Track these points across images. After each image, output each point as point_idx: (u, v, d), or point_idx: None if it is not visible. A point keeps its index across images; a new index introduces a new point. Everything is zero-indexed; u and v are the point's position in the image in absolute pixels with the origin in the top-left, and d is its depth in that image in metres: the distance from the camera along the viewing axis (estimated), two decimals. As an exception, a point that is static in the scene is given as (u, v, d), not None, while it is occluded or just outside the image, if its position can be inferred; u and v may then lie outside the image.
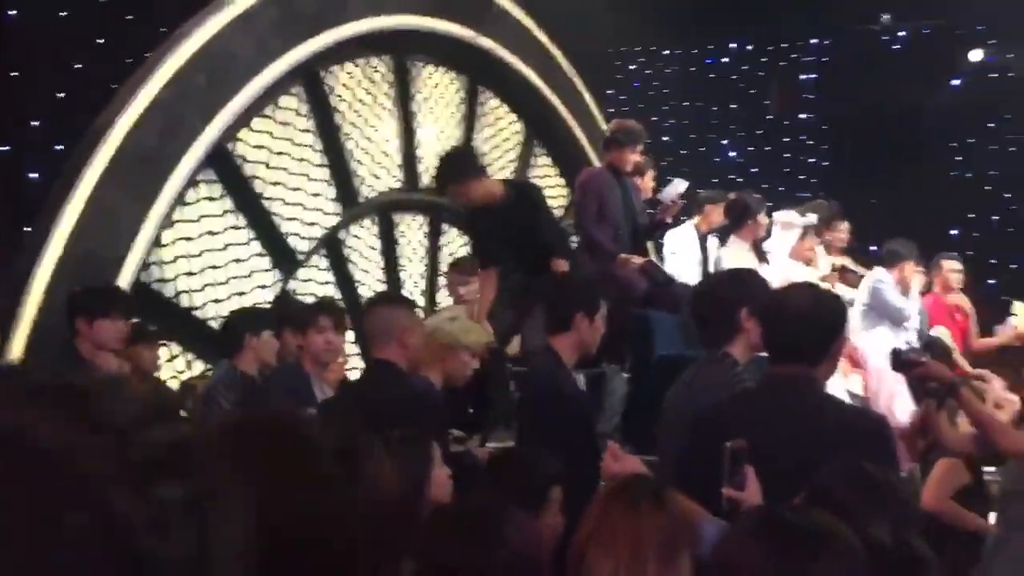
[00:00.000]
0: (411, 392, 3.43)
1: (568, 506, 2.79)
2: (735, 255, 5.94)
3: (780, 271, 5.70)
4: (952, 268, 7.06)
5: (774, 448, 2.47)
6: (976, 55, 12.76)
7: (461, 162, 5.21)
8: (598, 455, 3.51)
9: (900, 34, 13.05)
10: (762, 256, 6.07)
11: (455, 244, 8.16)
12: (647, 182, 6.36)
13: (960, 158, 13.10)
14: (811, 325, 2.64)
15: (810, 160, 13.84)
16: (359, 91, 7.11)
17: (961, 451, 3.73)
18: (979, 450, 3.65)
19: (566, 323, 3.68)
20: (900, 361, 3.59)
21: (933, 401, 3.61)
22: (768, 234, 6.32)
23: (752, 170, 13.32)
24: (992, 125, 13.31)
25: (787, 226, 6.36)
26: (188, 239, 5.97)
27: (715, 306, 3.20)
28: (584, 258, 5.70)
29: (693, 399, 3.08)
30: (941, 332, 6.13)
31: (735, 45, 13.90)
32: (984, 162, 13.02)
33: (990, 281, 11.02)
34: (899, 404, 5.54)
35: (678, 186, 6.01)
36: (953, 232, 12.31)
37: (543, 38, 8.35)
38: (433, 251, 7.98)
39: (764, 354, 3.33)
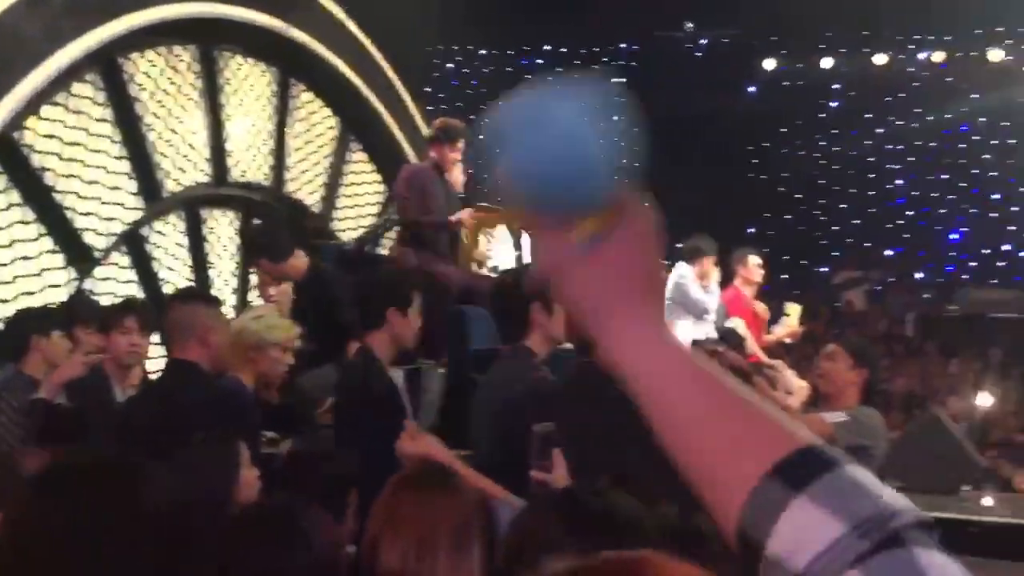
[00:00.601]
0: (216, 393, 3.30)
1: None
2: None
3: None
4: (757, 263, 7.46)
5: (581, 433, 2.54)
6: (770, 64, 13.63)
7: (270, 245, 5.03)
8: None
9: (702, 42, 13.77)
10: None
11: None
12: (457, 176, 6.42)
13: (756, 161, 13.97)
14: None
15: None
16: (162, 80, 6.78)
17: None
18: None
19: (378, 319, 3.63)
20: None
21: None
22: None
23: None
24: (784, 130, 14.26)
25: None
26: (-32, 235, 5.51)
27: (509, 302, 3.28)
28: (407, 252, 5.66)
29: (493, 392, 3.15)
30: (736, 322, 6.47)
31: (549, 47, 14.25)
32: (777, 165, 13.94)
33: (783, 276, 11.79)
34: None
35: None
36: (750, 230, 13.10)
37: (358, 33, 8.25)
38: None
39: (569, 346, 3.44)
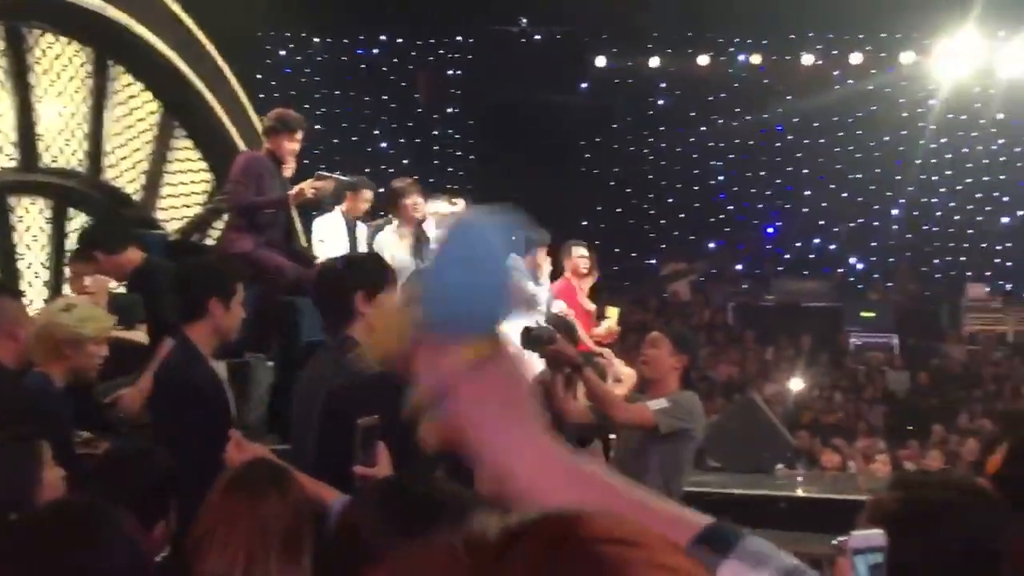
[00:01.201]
0: (20, 390, 3.10)
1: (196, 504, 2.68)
2: (390, 241, 6.03)
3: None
4: (581, 254, 7.65)
5: (407, 426, 2.54)
6: (601, 61, 14.00)
7: (106, 237, 4.79)
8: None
9: (536, 38, 14.00)
10: (421, 246, 6.19)
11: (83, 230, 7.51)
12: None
13: (588, 155, 14.34)
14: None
15: (457, 153, 14.43)
16: (-37, 57, 6.30)
17: (579, 422, 4.08)
18: (597, 421, 4.02)
19: (200, 310, 3.49)
20: (531, 338, 3.83)
21: (559, 375, 3.92)
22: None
23: (403, 161, 13.63)
24: (615, 126, 14.70)
25: (441, 217, 6.55)
26: None
27: (331, 292, 3.23)
28: (239, 238, 5.47)
29: (314, 385, 3.10)
30: (560, 307, 6.63)
31: (385, 37, 14.12)
32: (608, 160, 14.36)
33: (614, 268, 12.15)
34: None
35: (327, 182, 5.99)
36: (584, 223, 13.45)
37: (183, 16, 7.91)
38: (58, 238, 7.27)
39: None
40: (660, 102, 15.44)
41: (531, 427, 0.95)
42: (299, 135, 5.59)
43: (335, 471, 2.61)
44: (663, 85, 15.30)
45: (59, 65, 7.08)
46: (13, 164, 6.74)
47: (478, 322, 0.96)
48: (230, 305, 3.52)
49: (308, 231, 7.23)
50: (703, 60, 14.67)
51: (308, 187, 5.39)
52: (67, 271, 6.22)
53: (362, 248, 6.94)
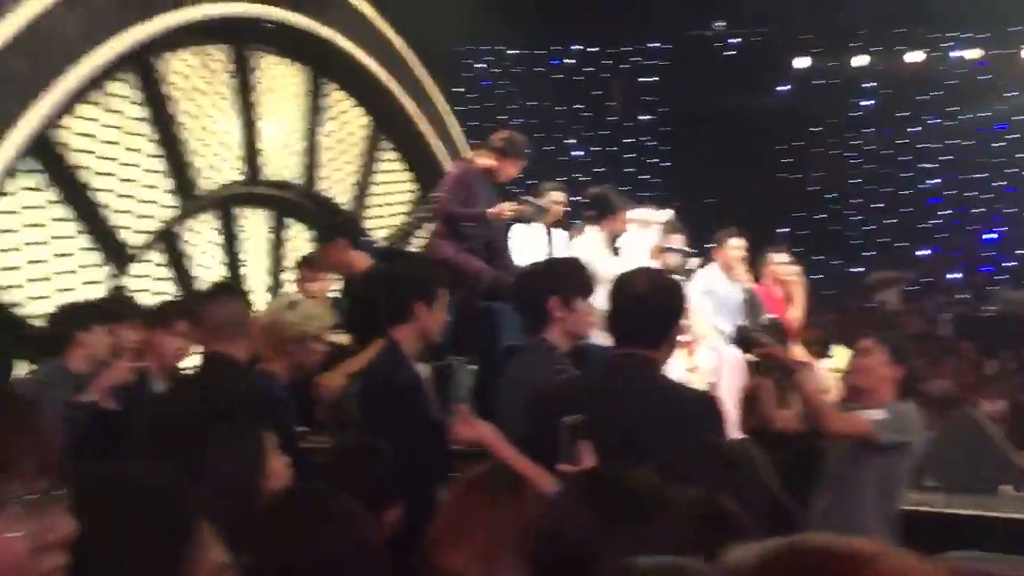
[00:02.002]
0: (251, 386, 3.32)
1: (407, 497, 2.78)
2: (588, 247, 6.03)
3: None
4: (778, 260, 7.40)
5: (614, 426, 2.53)
6: (802, 62, 13.52)
7: (349, 227, 5.16)
8: (438, 448, 3.51)
9: (733, 41, 13.68)
10: (616, 251, 6.17)
11: (300, 238, 7.99)
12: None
13: (788, 160, 13.86)
14: (650, 309, 2.72)
15: (651, 160, 14.32)
16: (196, 80, 6.85)
17: (787, 430, 3.93)
18: (804, 429, 3.86)
19: (405, 314, 3.63)
20: (743, 339, 3.73)
21: (768, 380, 3.79)
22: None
23: (596, 169, 13.66)
24: (817, 130, 14.13)
25: (644, 224, 6.49)
26: (9, 232, 5.59)
27: (527, 296, 3.28)
28: (442, 244, 5.69)
29: (515, 386, 3.14)
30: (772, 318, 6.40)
31: (579, 47, 14.22)
32: (810, 164, 13.83)
33: (817, 276, 11.66)
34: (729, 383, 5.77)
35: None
36: (783, 230, 13.00)
37: (389, 33, 8.29)
38: (277, 246, 7.78)
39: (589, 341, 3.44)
40: (866, 103, 14.71)
41: None
42: (522, 163, 5.78)
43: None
44: (869, 85, 14.57)
45: (279, 84, 7.58)
46: (239, 177, 7.26)
47: None
48: (433, 308, 3.63)
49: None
50: (913, 57, 13.89)
51: (508, 209, 5.57)
52: (290, 274, 6.62)
53: (559, 254, 7.00)
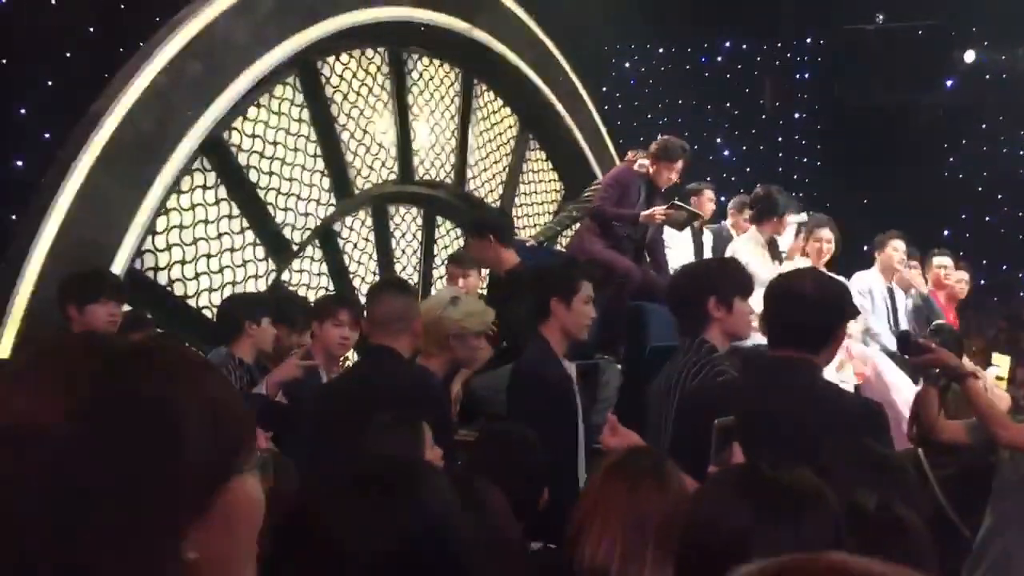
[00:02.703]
0: (412, 379, 3.40)
1: (551, 490, 2.80)
2: (748, 248, 5.92)
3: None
4: (941, 264, 7.10)
5: (772, 428, 2.48)
6: (970, 56, 12.80)
7: (503, 226, 5.27)
8: (581, 443, 3.51)
9: (894, 34, 13.07)
10: (776, 253, 6.04)
11: (449, 236, 8.16)
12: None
13: (952, 158, 13.15)
14: (815, 310, 2.65)
15: (804, 159, 13.88)
16: (354, 82, 7.10)
17: (954, 440, 3.74)
18: (973, 440, 3.66)
19: (545, 310, 3.67)
20: (909, 345, 3.58)
21: (933, 388, 3.61)
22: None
23: (746, 169, 13.35)
24: (985, 126, 13.36)
25: (798, 227, 6.37)
26: (182, 227, 5.94)
27: (685, 297, 3.24)
28: (591, 240, 5.73)
29: (668, 386, 3.12)
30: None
31: (729, 44, 13.91)
32: (976, 163, 13.08)
33: (981, 282, 11.04)
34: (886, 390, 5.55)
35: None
36: (945, 232, 12.35)
37: (539, 32, 8.35)
38: (427, 243, 7.97)
39: (746, 343, 3.36)
40: (1040, 97, 13.81)
41: None
42: (679, 164, 5.77)
43: (689, 472, 2.62)
44: (1043, 78, 13.66)
45: (432, 86, 7.76)
46: (392, 177, 7.48)
47: None
48: (572, 304, 3.64)
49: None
50: (1095, 48, 12.93)
51: (660, 213, 5.58)
52: (444, 270, 6.76)
53: (707, 254, 6.91)
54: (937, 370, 3.54)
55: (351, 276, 7.21)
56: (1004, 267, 12.78)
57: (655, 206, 5.76)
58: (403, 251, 7.73)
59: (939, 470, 3.88)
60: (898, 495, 1.76)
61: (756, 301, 3.34)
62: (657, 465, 2.05)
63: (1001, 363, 5.94)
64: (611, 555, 1.87)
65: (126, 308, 5.16)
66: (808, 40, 13.70)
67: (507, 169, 8.42)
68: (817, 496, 1.49)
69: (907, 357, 3.67)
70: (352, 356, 5.29)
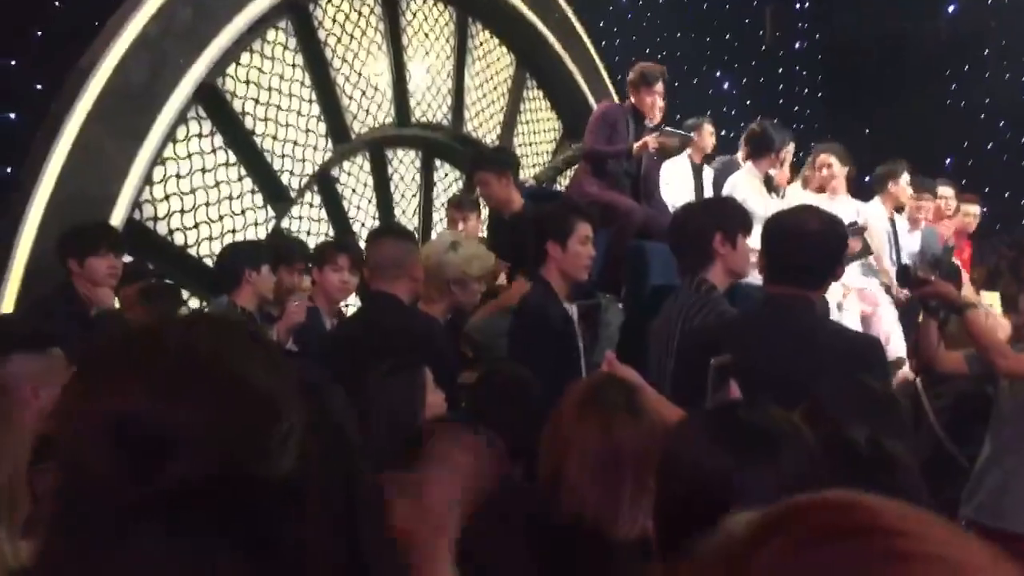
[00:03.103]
0: (416, 324, 3.43)
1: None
2: (746, 183, 5.90)
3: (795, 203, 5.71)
4: (943, 195, 7.07)
5: (769, 366, 2.50)
6: (973, -20, 12.60)
7: (494, 155, 5.21)
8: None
9: (895, -40, 12.85)
10: (772, 188, 6.03)
11: (449, 179, 8.12)
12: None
13: (954, 85, 13.02)
14: (819, 249, 2.65)
15: (804, 91, 13.74)
16: (348, 25, 7.00)
17: (953, 371, 3.77)
18: (973, 370, 3.69)
19: (541, 252, 3.69)
20: (908, 278, 3.60)
21: (932, 320, 3.64)
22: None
23: (747, 102, 13.22)
24: (987, 52, 13.20)
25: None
26: (179, 177, 5.92)
27: (689, 234, 3.25)
28: (587, 181, 5.67)
29: (669, 325, 3.13)
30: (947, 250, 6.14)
31: (728, -26, 13.69)
32: (978, 90, 12.95)
33: (983, 210, 11.02)
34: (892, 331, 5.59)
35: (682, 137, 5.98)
36: (948, 160, 12.28)
37: (534, -31, 8.22)
38: (427, 187, 7.94)
39: (746, 280, 3.37)
40: (1044, 21, 13.60)
41: None
42: (658, 86, 5.65)
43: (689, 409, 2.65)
44: (1048, 1, 13.45)
45: (427, 26, 7.65)
46: (389, 120, 7.42)
47: None
48: (567, 246, 3.65)
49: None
50: (1101, -31, 12.69)
51: (652, 141, 5.46)
52: (444, 214, 6.74)
53: (708, 190, 6.88)
54: (935, 302, 3.56)
55: (351, 221, 7.20)
56: (1007, 194, 12.73)
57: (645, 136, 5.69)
58: (402, 195, 7.70)
59: (936, 401, 3.93)
60: (889, 430, 1.78)
61: (754, 238, 3.35)
62: (630, 398, 2.01)
63: (992, 300, 5.92)
64: (589, 495, 1.85)
65: (127, 259, 5.20)
66: (808, -32, 13.48)
67: (504, 109, 8.35)
68: (793, 434, 1.48)
69: (906, 290, 3.69)
70: (355, 301, 5.30)
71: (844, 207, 5.93)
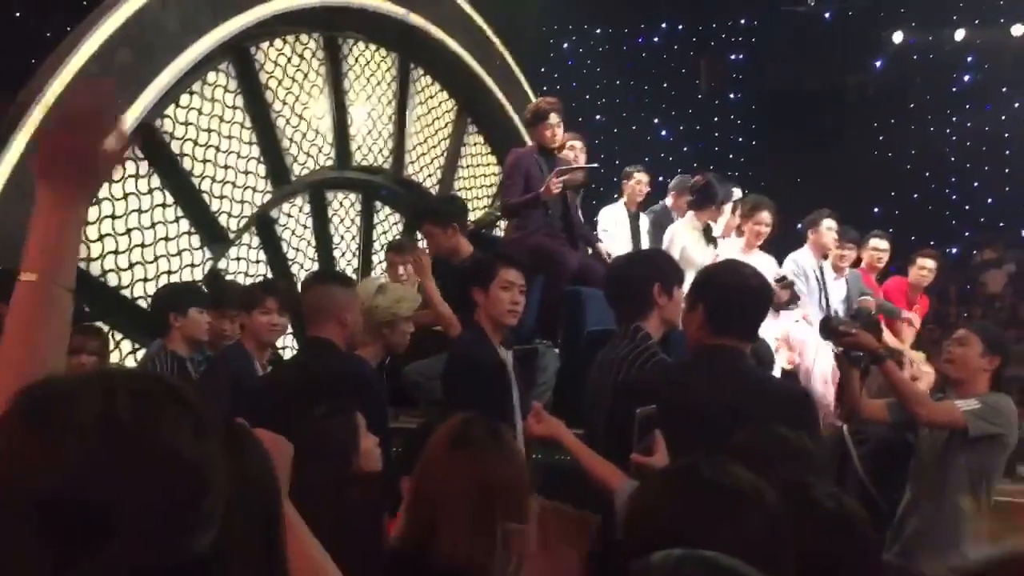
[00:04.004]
0: (349, 369, 3.44)
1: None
2: (685, 232, 6.02)
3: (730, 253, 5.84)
4: (876, 247, 7.27)
5: (691, 417, 2.57)
6: (898, 36, 13.09)
7: (438, 206, 5.23)
8: (519, 427, 3.58)
9: (826, 15, 13.31)
10: (710, 239, 6.15)
11: (389, 222, 8.15)
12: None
13: (882, 137, 13.48)
14: (758, 304, 2.76)
15: (738, 139, 14.08)
16: (289, 68, 7.03)
17: (874, 419, 3.88)
18: (894, 419, 3.81)
19: (468, 299, 3.76)
20: (829, 329, 3.71)
21: (854, 369, 3.75)
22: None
23: (683, 149, 13.51)
24: (912, 106, 13.70)
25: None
26: (114, 217, 5.86)
27: (628, 284, 3.33)
28: (521, 235, 5.70)
29: (606, 373, 3.20)
30: (867, 301, 6.31)
31: (665, 25, 14.04)
32: (905, 142, 13.42)
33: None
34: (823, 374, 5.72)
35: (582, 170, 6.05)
36: (875, 210, 12.66)
37: (475, 16, 8.35)
38: (367, 229, 7.95)
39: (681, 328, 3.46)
40: (966, 77, 14.18)
41: None
42: (551, 119, 5.69)
43: (624, 459, 2.70)
44: (970, 59, 14.03)
45: (368, 70, 7.72)
46: (329, 163, 7.44)
47: None
48: (489, 292, 3.72)
49: (592, 222, 7.40)
50: (1018, 30, 13.30)
51: (554, 184, 5.48)
52: (384, 257, 6.73)
53: (644, 237, 7.01)
54: (856, 352, 3.68)
55: (290, 263, 7.17)
56: (931, 243, 13.15)
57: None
58: (341, 237, 7.70)
59: (860, 447, 4.04)
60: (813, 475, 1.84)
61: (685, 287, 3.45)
62: (495, 434, 2.01)
63: (917, 359, 6.06)
64: (463, 536, 1.84)
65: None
66: (742, 21, 13.88)
67: (446, 154, 8.43)
68: (754, 493, 1.51)
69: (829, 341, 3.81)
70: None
71: (764, 260, 6.10)
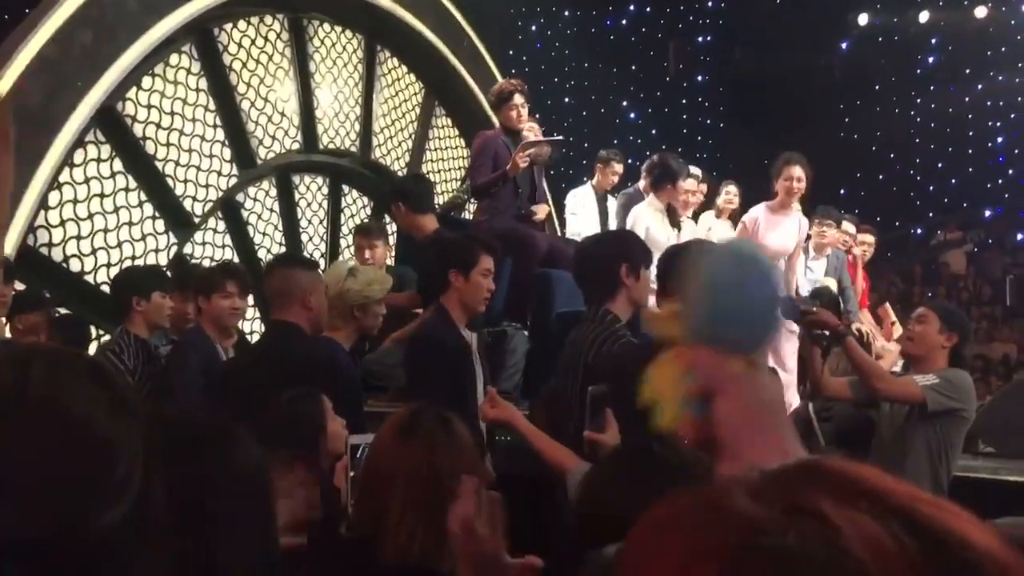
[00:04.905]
0: (316, 353, 3.42)
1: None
2: (649, 215, 6.02)
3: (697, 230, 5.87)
4: (864, 241, 7.37)
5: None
6: (863, 19, 13.20)
7: (417, 194, 5.17)
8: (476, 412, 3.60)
9: (792, -3, 13.40)
10: (675, 221, 6.14)
11: (356, 206, 8.11)
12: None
13: (848, 119, 13.61)
14: None
15: (707, 121, 14.16)
16: (254, 50, 6.96)
17: (837, 396, 3.94)
18: (855, 396, 3.86)
19: (444, 282, 3.73)
20: (791, 309, 3.75)
21: (816, 347, 3.80)
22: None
23: (652, 131, 13.56)
24: (877, 87, 13.84)
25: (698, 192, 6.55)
26: (76, 201, 5.78)
27: (596, 265, 3.33)
28: (490, 217, 5.68)
29: (573, 354, 3.21)
30: (829, 282, 6.37)
31: (633, 7, 14.06)
32: (870, 124, 13.56)
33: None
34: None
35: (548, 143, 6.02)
36: (842, 191, 12.80)
37: (443, -2, 8.30)
38: (334, 213, 7.91)
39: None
40: (930, 59, 14.34)
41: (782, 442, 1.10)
42: (516, 99, 5.66)
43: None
44: (933, 41, 14.18)
45: (334, 52, 7.65)
46: (296, 146, 7.38)
47: (750, 343, 1.15)
48: (470, 277, 3.71)
49: (560, 204, 7.41)
50: (981, 12, 13.47)
51: (521, 158, 5.44)
52: (352, 241, 6.70)
53: (611, 219, 7.02)
54: (818, 331, 3.72)
55: (256, 247, 7.12)
56: (896, 223, 13.32)
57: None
58: (309, 221, 7.65)
59: (824, 424, 4.09)
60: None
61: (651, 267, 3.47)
62: (445, 422, 1.99)
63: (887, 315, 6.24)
64: (412, 521, 1.83)
65: (21, 287, 5.04)
66: (710, 4, 13.93)
67: (413, 136, 8.39)
68: (706, 472, 1.53)
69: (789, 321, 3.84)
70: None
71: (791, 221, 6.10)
